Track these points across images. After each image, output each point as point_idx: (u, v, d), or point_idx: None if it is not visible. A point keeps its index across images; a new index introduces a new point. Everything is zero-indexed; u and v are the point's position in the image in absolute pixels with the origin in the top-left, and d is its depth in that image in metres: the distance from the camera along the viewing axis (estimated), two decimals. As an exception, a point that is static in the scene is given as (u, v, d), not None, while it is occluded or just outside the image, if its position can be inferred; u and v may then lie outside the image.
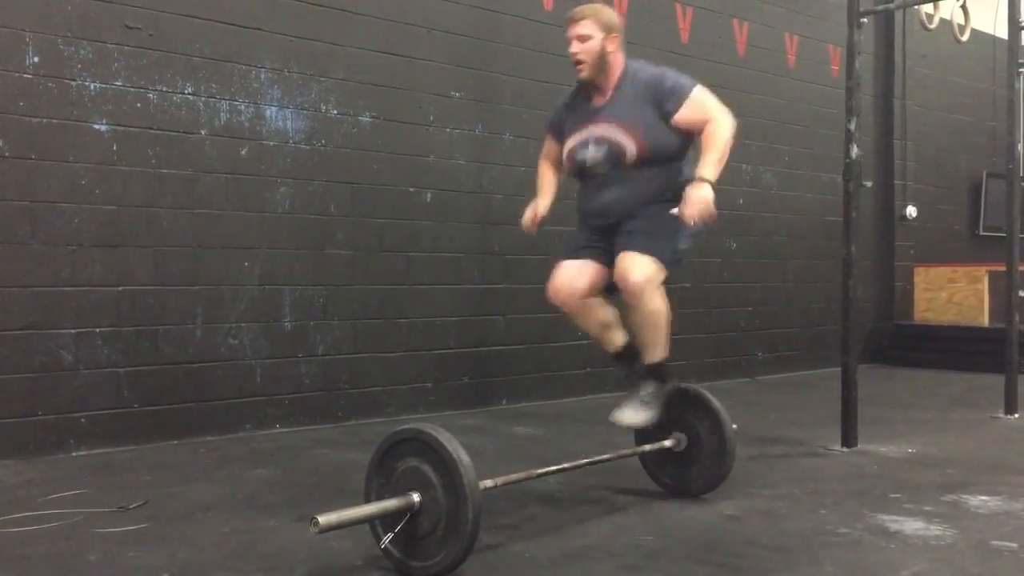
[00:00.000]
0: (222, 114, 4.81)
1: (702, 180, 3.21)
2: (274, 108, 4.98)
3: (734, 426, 3.56)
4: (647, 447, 3.60)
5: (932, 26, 7.09)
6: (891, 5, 5.63)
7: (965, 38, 7.32)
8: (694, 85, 3.39)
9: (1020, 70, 5.59)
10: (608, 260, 3.38)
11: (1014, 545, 2.97)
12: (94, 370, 4.43)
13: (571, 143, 3.45)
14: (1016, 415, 5.51)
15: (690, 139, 3.41)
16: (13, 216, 4.22)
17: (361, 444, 4.50)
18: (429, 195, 5.59)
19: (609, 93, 3.42)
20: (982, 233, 9.63)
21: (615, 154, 3.33)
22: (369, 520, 2.66)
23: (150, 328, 4.59)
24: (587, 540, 3.03)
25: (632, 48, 6.51)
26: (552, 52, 6.11)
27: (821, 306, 7.96)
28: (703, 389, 3.65)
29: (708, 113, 3.33)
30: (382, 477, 2.73)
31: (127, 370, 4.52)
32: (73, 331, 4.37)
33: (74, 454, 4.35)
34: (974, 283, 8.50)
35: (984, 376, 7.06)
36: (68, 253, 4.36)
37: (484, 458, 3.95)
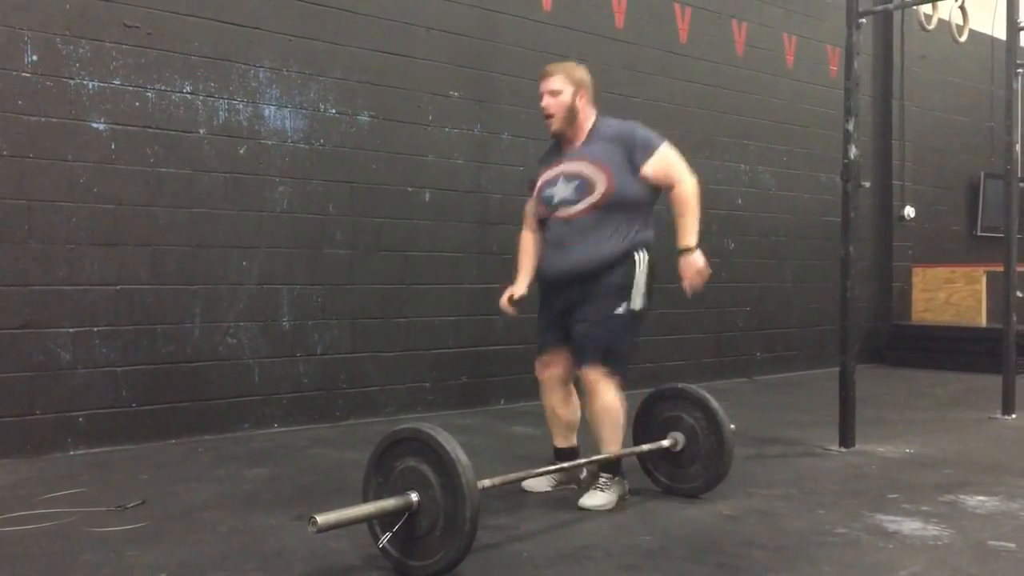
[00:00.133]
0: (220, 113, 4.80)
1: (689, 249, 3.41)
2: (273, 107, 4.98)
3: (732, 426, 3.56)
4: (645, 447, 3.60)
5: (931, 27, 7.09)
6: (890, 6, 5.63)
7: (963, 39, 7.32)
8: (662, 142, 3.51)
9: (1018, 71, 5.60)
10: (566, 333, 3.55)
11: (1012, 545, 2.98)
12: (92, 369, 4.42)
13: (541, 182, 3.59)
14: (1013, 415, 5.51)
15: (651, 196, 3.51)
16: (11, 215, 4.21)
17: (359, 443, 4.50)
18: (428, 195, 5.59)
19: (580, 143, 3.55)
20: (980, 234, 9.64)
21: (584, 186, 3.43)
22: (367, 519, 2.66)
23: (148, 327, 4.59)
24: (585, 540, 3.04)
25: (632, 48, 6.61)
26: (551, 52, 6.11)
27: (819, 306, 7.97)
28: (701, 389, 3.65)
29: (674, 173, 3.48)
30: (380, 476, 2.73)
31: (125, 369, 4.52)
32: (71, 330, 4.36)
33: (72, 453, 4.34)
34: (972, 283, 8.51)
35: (982, 376, 7.07)
36: (66, 252, 4.36)
37: (482, 458, 3.95)
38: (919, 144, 8.96)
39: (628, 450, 3.60)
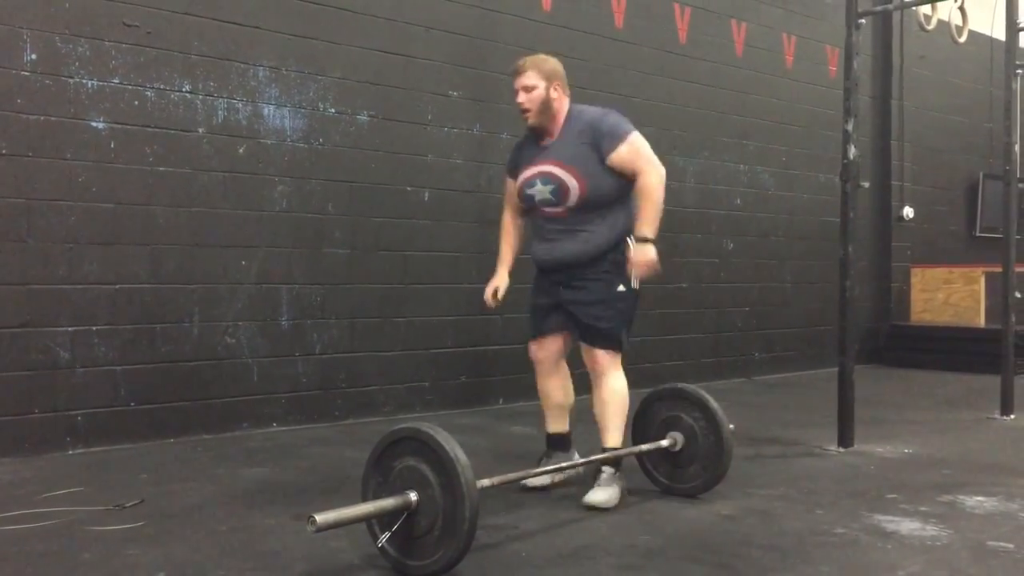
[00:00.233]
0: (220, 112, 4.80)
1: (644, 240, 3.45)
2: (272, 106, 4.98)
3: (731, 426, 3.56)
4: (645, 447, 3.60)
5: (930, 27, 7.09)
6: (889, 6, 5.63)
7: (963, 39, 7.32)
8: (631, 131, 3.54)
9: (1017, 72, 5.60)
10: (565, 317, 3.62)
11: (1010, 546, 2.98)
12: (91, 368, 4.42)
13: (521, 179, 3.65)
14: (1012, 416, 5.52)
15: (626, 184, 3.53)
16: (10, 214, 4.21)
17: (358, 443, 4.50)
18: (427, 194, 5.59)
19: (556, 134, 3.59)
20: (979, 234, 9.64)
21: (561, 191, 3.51)
22: (366, 519, 2.66)
23: (147, 326, 4.58)
24: (584, 540, 3.04)
25: (631, 48, 6.61)
26: (551, 52, 6.11)
27: (818, 306, 7.97)
28: (700, 389, 3.66)
29: (639, 162, 3.49)
30: (379, 476, 2.73)
31: (124, 368, 4.51)
32: (70, 329, 4.36)
33: (70, 452, 4.34)
34: (970, 284, 8.51)
35: (980, 377, 7.08)
36: (65, 251, 4.35)
37: (481, 457, 3.96)
38: (918, 145, 8.96)
39: (627, 450, 3.61)
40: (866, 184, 4.85)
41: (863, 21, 4.73)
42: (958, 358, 7.93)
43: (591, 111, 3.61)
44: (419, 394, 5.58)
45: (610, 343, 3.55)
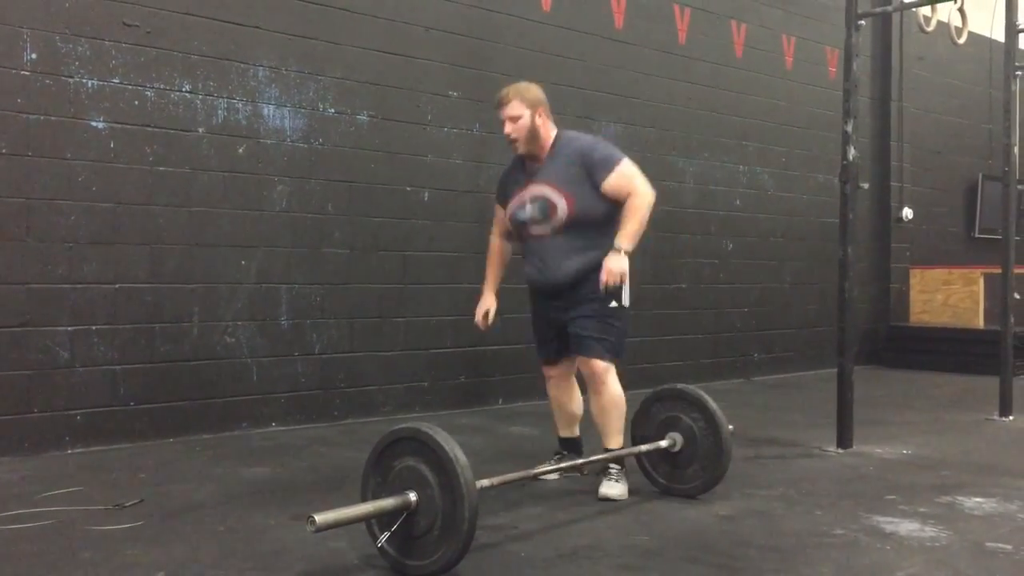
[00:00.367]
0: (219, 112, 4.80)
1: (618, 249, 3.51)
2: (272, 106, 4.98)
3: (730, 427, 3.57)
4: (644, 447, 3.61)
5: (929, 29, 7.09)
6: (889, 8, 5.64)
7: (962, 41, 7.32)
8: (622, 158, 3.62)
9: (1016, 73, 5.61)
10: (567, 337, 3.71)
11: (1009, 547, 2.98)
12: (90, 368, 4.42)
13: (512, 204, 3.74)
14: (1011, 417, 5.52)
15: (615, 209, 3.61)
16: (9, 213, 4.21)
17: (357, 443, 4.50)
18: (426, 194, 5.59)
19: (544, 159, 3.66)
20: (978, 235, 9.65)
21: (548, 209, 3.59)
22: (365, 519, 2.66)
23: (146, 326, 4.58)
24: (583, 540, 3.04)
25: (631, 48, 6.62)
26: (550, 52, 6.13)
27: (817, 307, 7.98)
28: (699, 390, 3.66)
29: (632, 186, 3.57)
30: (379, 476, 2.73)
31: (123, 368, 4.51)
32: (69, 328, 4.36)
33: (70, 452, 4.34)
34: (969, 285, 8.52)
35: (979, 378, 7.08)
36: (64, 250, 4.35)
37: (480, 457, 3.96)
38: (917, 146, 8.97)
39: (627, 450, 3.62)
40: (865, 185, 4.85)
41: (863, 22, 4.74)
42: (957, 359, 7.93)
43: (582, 139, 3.70)
44: (418, 394, 5.58)
45: (606, 354, 3.62)
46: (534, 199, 3.62)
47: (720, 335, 7.32)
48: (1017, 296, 5.76)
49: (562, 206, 3.55)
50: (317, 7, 5.12)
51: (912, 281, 8.90)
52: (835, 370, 4.66)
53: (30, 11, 4.25)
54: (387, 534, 2.63)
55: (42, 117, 4.29)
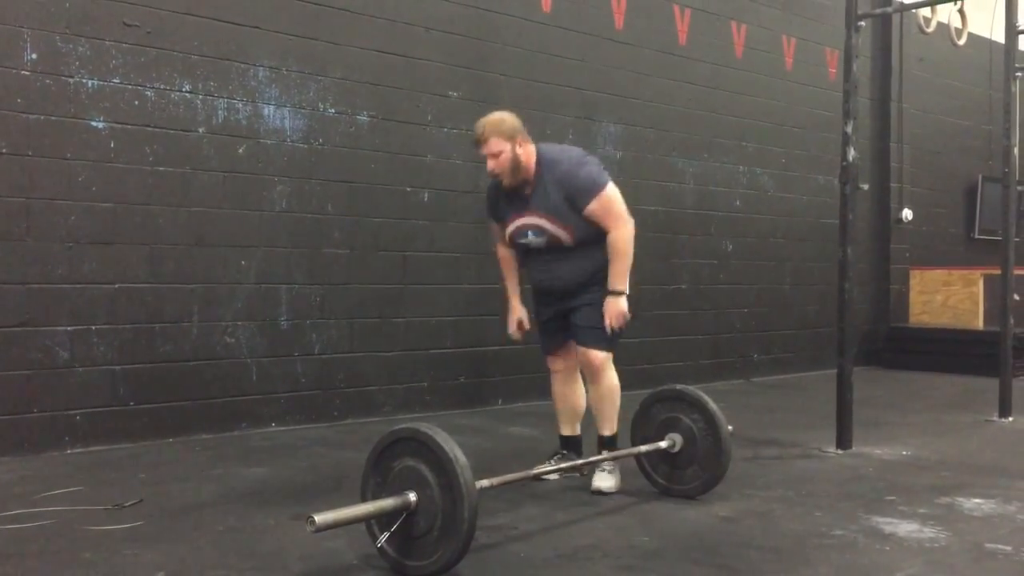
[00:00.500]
0: (220, 112, 4.80)
1: (616, 293, 3.63)
2: (272, 107, 4.98)
3: (729, 427, 3.57)
4: (643, 448, 3.61)
5: (929, 30, 7.09)
6: (889, 9, 5.64)
7: (962, 42, 7.33)
8: (605, 184, 3.65)
9: (1016, 74, 5.61)
10: (570, 327, 3.81)
11: (1008, 548, 2.98)
12: (90, 368, 4.42)
13: (511, 229, 3.78)
14: (1010, 418, 5.52)
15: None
16: (9, 213, 4.21)
17: (357, 443, 4.50)
18: (426, 194, 5.59)
19: (532, 184, 3.69)
20: (977, 236, 9.65)
21: (551, 240, 3.68)
22: (365, 519, 2.66)
23: (146, 326, 4.58)
24: (583, 540, 3.04)
25: (631, 49, 6.62)
26: (549, 53, 6.13)
27: (817, 308, 7.98)
28: (699, 390, 3.66)
29: (608, 220, 3.63)
30: (378, 476, 2.73)
31: (123, 368, 4.51)
32: (69, 328, 4.36)
33: (69, 452, 4.34)
34: (969, 286, 8.52)
35: (978, 379, 7.07)
36: (64, 250, 4.35)
37: (480, 458, 3.96)
38: (917, 147, 8.97)
39: (626, 451, 3.62)
40: (865, 186, 4.85)
41: (863, 23, 4.74)
42: (956, 360, 7.93)
43: (562, 161, 3.67)
44: (418, 394, 5.58)
45: (605, 345, 3.71)
46: (535, 230, 3.69)
47: (720, 336, 7.32)
48: (1017, 297, 5.76)
49: (564, 236, 3.64)
50: (317, 7, 5.13)
51: (912, 282, 8.90)
52: (835, 371, 4.66)
53: (30, 11, 4.25)
54: (387, 534, 2.64)
55: (42, 117, 4.29)
